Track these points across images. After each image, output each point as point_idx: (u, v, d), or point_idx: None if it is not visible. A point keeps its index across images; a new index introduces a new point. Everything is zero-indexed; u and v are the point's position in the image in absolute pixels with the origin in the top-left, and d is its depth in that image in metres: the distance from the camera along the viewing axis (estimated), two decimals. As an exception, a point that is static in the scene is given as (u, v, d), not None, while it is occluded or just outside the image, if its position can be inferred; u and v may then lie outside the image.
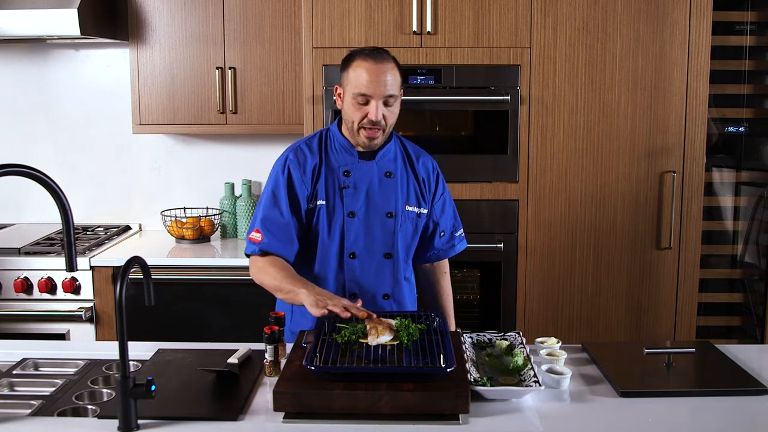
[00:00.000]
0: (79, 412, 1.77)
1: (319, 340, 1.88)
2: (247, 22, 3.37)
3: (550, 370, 1.88)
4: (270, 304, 2.34)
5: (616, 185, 3.12)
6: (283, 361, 1.93)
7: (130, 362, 1.85)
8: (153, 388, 1.61)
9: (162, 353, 2.08)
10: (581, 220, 3.14)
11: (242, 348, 2.03)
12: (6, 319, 3.19)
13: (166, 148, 3.80)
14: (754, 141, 3.52)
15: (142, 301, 1.69)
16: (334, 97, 2.20)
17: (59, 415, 1.74)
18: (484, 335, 2.12)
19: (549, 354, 1.97)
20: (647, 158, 3.11)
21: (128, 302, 1.61)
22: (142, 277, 1.70)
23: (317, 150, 2.20)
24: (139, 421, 1.64)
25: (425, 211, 2.27)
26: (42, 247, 3.32)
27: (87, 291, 3.21)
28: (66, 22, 3.10)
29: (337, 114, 2.31)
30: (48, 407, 1.77)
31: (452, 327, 2.39)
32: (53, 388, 1.88)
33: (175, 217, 3.63)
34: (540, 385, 1.75)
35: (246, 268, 2.24)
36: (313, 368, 1.69)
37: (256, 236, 2.15)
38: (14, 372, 2.00)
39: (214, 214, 3.68)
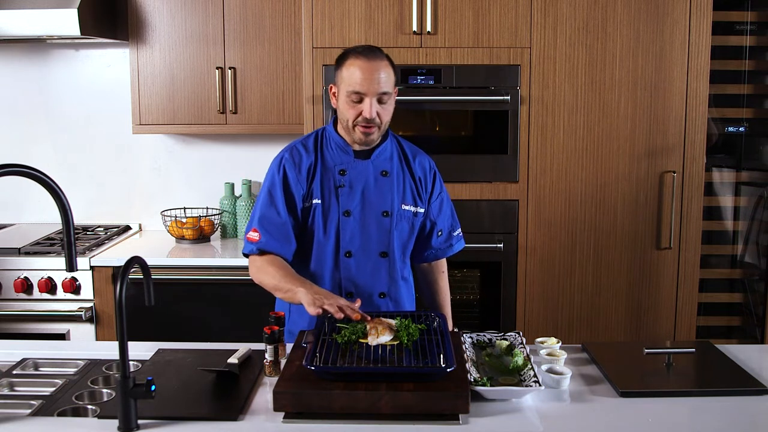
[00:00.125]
0: (79, 412, 1.77)
1: (319, 340, 1.88)
2: (247, 22, 3.37)
3: (550, 370, 1.88)
4: (270, 304, 2.34)
5: (616, 185, 3.12)
6: (283, 361, 1.93)
7: (130, 362, 1.85)
8: (153, 388, 1.61)
9: (162, 353, 2.08)
10: (581, 220, 3.14)
11: (242, 348, 2.03)
12: (6, 319, 3.19)
13: (166, 148, 3.80)
14: (754, 141, 3.52)
15: (142, 301, 1.69)
16: (330, 96, 2.21)
17: (59, 415, 1.74)
18: (484, 335, 2.12)
19: (549, 354, 1.97)
20: (647, 158, 3.11)
21: (128, 302, 1.61)
22: (142, 277, 1.70)
23: (313, 149, 2.21)
24: (139, 421, 1.64)
25: (422, 210, 2.27)
26: (42, 247, 3.32)
27: (87, 291, 3.21)
28: (66, 22, 3.10)
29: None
30: (48, 407, 1.77)
31: (450, 327, 2.39)
32: (53, 388, 1.88)
33: (175, 217, 3.63)
34: (540, 385, 1.75)
35: (246, 268, 2.24)
36: (313, 368, 1.69)
37: (254, 236, 2.16)
38: (14, 372, 2.00)
39: (214, 214, 3.68)
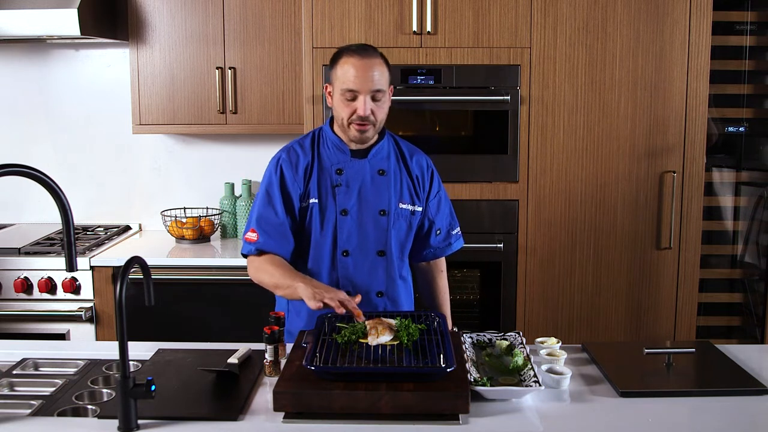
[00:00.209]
0: (79, 412, 1.77)
1: (319, 340, 1.88)
2: (247, 22, 3.37)
3: (550, 370, 1.88)
4: (270, 304, 2.34)
5: (616, 185, 3.12)
6: (283, 361, 1.93)
7: (130, 362, 1.85)
8: (153, 388, 1.61)
9: (162, 353, 2.08)
10: (581, 220, 3.14)
11: (242, 348, 2.03)
12: (6, 319, 3.19)
13: (166, 148, 3.80)
14: (754, 141, 3.52)
15: (142, 301, 1.69)
16: (326, 96, 2.22)
17: (59, 415, 1.74)
18: (484, 335, 2.12)
19: (549, 354, 1.97)
20: (647, 158, 3.11)
21: (128, 302, 1.61)
22: (142, 277, 1.70)
23: (310, 149, 2.22)
24: (139, 421, 1.64)
25: (419, 209, 2.27)
26: (42, 247, 3.32)
27: (87, 291, 3.21)
28: (66, 22, 3.10)
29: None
30: (48, 407, 1.77)
31: (449, 326, 2.39)
32: (53, 388, 1.88)
33: (175, 217, 3.63)
34: (540, 385, 1.75)
35: (246, 268, 2.24)
36: (313, 368, 1.69)
37: (252, 236, 2.17)
38: (14, 372, 2.00)
39: (214, 214, 3.68)
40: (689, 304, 3.18)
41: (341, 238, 2.19)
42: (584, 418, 1.71)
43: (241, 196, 3.72)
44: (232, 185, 3.74)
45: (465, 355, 1.90)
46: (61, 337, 3.19)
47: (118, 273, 1.63)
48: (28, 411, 1.75)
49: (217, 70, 3.39)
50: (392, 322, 1.92)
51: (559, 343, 2.06)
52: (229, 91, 3.40)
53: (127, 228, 3.79)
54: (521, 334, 2.10)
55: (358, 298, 2.00)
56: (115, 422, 1.63)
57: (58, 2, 3.12)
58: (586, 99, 3.08)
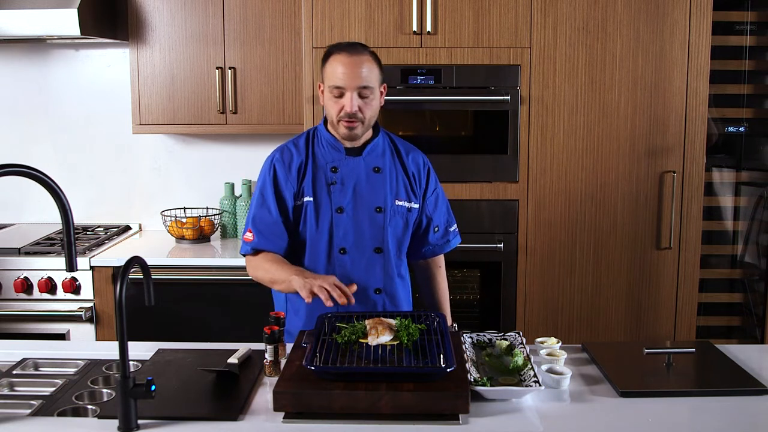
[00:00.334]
0: (79, 412, 1.77)
1: (319, 340, 1.88)
2: (247, 22, 3.37)
3: (550, 370, 1.88)
4: (270, 304, 2.34)
5: (616, 185, 3.12)
6: (283, 361, 1.93)
7: (130, 362, 1.85)
8: (153, 388, 1.61)
9: (162, 353, 2.08)
10: (581, 220, 3.14)
11: (242, 348, 2.03)
12: (6, 319, 3.19)
13: (166, 148, 3.80)
14: (754, 141, 3.52)
15: (142, 301, 1.69)
16: (319, 95, 2.23)
17: (59, 415, 1.74)
18: (484, 335, 2.12)
19: (549, 354, 1.97)
20: (647, 158, 3.11)
21: (128, 302, 1.61)
22: (142, 277, 1.70)
23: (304, 148, 2.24)
24: (139, 421, 1.64)
25: (416, 206, 2.28)
26: (42, 247, 3.32)
27: (87, 291, 3.21)
28: (66, 22, 3.10)
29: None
30: (48, 407, 1.77)
31: (449, 322, 2.39)
32: (53, 388, 1.88)
33: (175, 217, 3.63)
34: (540, 385, 1.75)
35: (246, 268, 2.26)
36: (313, 368, 1.69)
37: (249, 236, 2.22)
38: (14, 372, 2.00)
39: (214, 214, 3.68)
40: (689, 304, 3.18)
41: (337, 236, 2.20)
42: (584, 418, 1.71)
43: (241, 196, 3.72)
44: (232, 185, 3.74)
45: (465, 355, 1.90)
46: (61, 337, 3.19)
47: (118, 273, 1.63)
48: (28, 411, 1.75)
49: (217, 70, 3.39)
50: (392, 322, 1.92)
51: (559, 343, 2.06)
52: (229, 91, 3.40)
53: (127, 228, 3.79)
54: (521, 334, 2.10)
55: (354, 287, 2.01)
56: (115, 422, 1.63)
57: (58, 2, 3.12)
58: (586, 99, 3.08)
